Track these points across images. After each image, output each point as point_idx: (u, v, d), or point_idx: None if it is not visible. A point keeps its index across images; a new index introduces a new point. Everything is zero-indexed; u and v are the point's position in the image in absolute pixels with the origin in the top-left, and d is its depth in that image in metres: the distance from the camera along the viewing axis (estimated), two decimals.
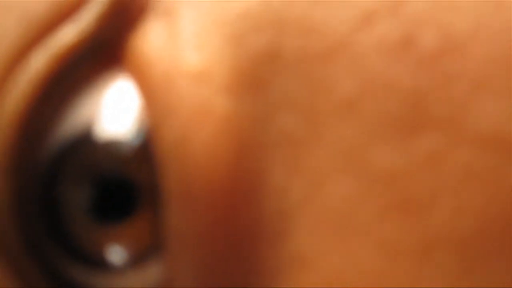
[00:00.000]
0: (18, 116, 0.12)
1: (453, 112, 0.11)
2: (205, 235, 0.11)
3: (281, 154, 0.11)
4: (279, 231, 0.11)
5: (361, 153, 0.11)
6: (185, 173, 0.11)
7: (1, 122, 0.12)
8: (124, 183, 0.12)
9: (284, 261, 0.11)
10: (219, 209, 0.11)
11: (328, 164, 0.11)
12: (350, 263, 0.11)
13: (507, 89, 0.11)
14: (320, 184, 0.11)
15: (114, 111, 0.12)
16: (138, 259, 0.12)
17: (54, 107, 0.12)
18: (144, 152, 0.12)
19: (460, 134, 0.10)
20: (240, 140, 0.11)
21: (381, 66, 0.11)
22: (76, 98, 0.12)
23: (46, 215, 0.12)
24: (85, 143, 0.12)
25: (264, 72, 0.12)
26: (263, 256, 0.11)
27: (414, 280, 0.10)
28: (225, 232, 0.11)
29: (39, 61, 0.12)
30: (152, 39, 0.12)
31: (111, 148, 0.12)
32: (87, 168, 0.12)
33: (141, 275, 0.12)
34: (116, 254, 0.12)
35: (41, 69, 0.12)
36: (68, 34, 0.12)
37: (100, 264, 0.12)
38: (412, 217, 0.10)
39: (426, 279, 0.10)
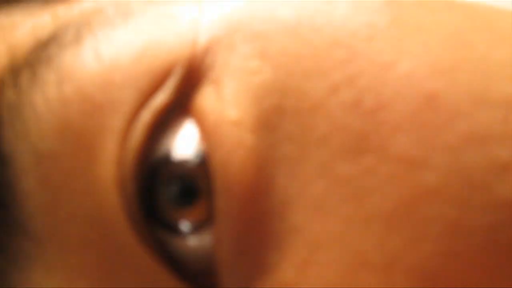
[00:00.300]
0: (138, 144, 0.16)
1: (382, 142, 0.15)
2: (238, 214, 0.15)
3: (284, 167, 0.16)
4: (282, 211, 0.15)
5: (330, 165, 0.15)
6: (227, 178, 0.16)
7: (131, 147, 0.16)
8: (191, 184, 0.16)
9: (285, 230, 0.15)
10: (247, 198, 0.15)
11: (311, 172, 0.16)
12: (326, 230, 0.15)
13: (411, 127, 0.15)
14: (307, 183, 0.15)
15: (185, 143, 0.16)
16: (198, 228, 0.16)
17: (154, 140, 0.16)
18: (203, 166, 0.16)
19: (386, 155, 0.15)
20: (259, 159, 0.16)
21: (342, 116, 0.16)
22: (163, 135, 0.17)
23: (147, 201, 0.16)
24: (170, 162, 0.16)
25: (274, 120, 0.16)
26: (273, 226, 0.15)
27: (360, 239, 0.15)
28: (250, 212, 0.15)
29: (146, 116, 0.16)
30: (206, 99, 0.16)
31: (185, 164, 0.16)
32: (171, 175, 0.16)
33: (200, 238, 0.16)
34: (185, 224, 0.16)
35: (147, 120, 0.16)
36: (161, 98, 0.16)
37: (175, 230, 0.16)
38: (359, 201, 0.15)
39: (367, 239, 0.15)
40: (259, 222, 0.16)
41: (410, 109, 0.15)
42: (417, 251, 0.15)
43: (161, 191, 0.16)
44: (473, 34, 0.17)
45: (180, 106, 0.17)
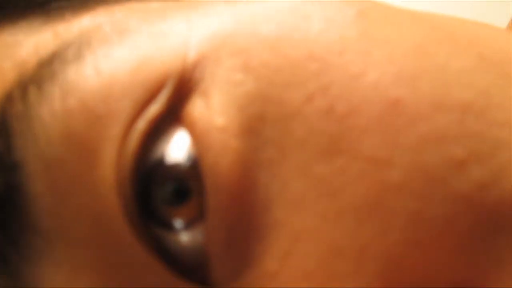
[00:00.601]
0: (134, 150, 0.17)
1: (352, 144, 0.16)
2: (227, 210, 0.16)
3: (266, 167, 0.17)
4: (265, 207, 0.16)
5: (307, 166, 0.17)
6: (217, 178, 0.16)
7: (128, 153, 0.17)
8: (183, 185, 0.17)
9: (268, 224, 0.16)
10: (234, 195, 0.16)
11: (291, 172, 0.17)
12: (304, 224, 0.16)
13: (377, 129, 0.16)
14: (287, 182, 0.17)
15: (177, 148, 0.17)
16: (190, 225, 0.17)
17: (149, 146, 0.17)
18: (194, 168, 0.17)
19: (355, 156, 0.16)
20: (244, 161, 0.17)
21: (317, 121, 0.17)
22: (157, 141, 0.17)
23: (143, 202, 0.17)
24: (164, 165, 0.17)
25: (257, 126, 0.17)
26: (258, 221, 0.16)
27: (334, 231, 0.16)
28: (237, 208, 0.16)
29: (142, 124, 0.17)
30: (196, 108, 0.17)
31: (177, 167, 0.17)
32: (165, 177, 0.17)
33: (192, 234, 0.17)
34: (178, 222, 0.17)
35: (143, 128, 0.17)
36: (155, 108, 0.17)
37: (169, 227, 0.17)
38: (332, 197, 0.16)
39: (340, 231, 0.16)
40: (245, 217, 0.17)
41: (376, 113, 0.16)
42: (384, 241, 0.16)
43: (156, 192, 0.17)
44: (435, 46, 0.18)
45: (172, 115, 0.18)
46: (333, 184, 0.16)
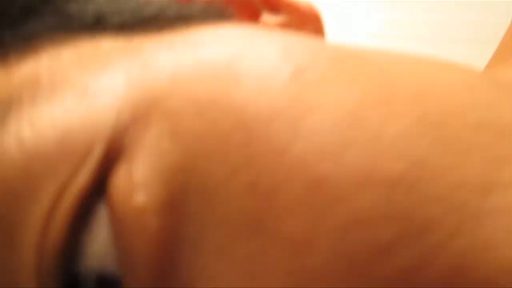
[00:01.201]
0: (58, 235, 0.16)
1: (275, 224, 0.15)
2: None
3: (187, 247, 0.16)
4: None
5: (229, 246, 0.15)
6: (131, 263, 0.16)
7: (51, 237, 0.16)
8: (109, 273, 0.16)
9: None
10: (150, 283, 0.15)
11: (212, 251, 0.16)
12: None
13: (300, 210, 0.15)
14: (209, 262, 0.16)
15: (100, 231, 0.16)
16: None
17: (74, 228, 0.16)
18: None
19: (277, 237, 0.15)
20: (163, 241, 0.16)
21: (240, 197, 0.15)
22: (85, 220, 0.16)
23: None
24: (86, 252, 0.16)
25: (179, 200, 0.16)
26: None
27: None
28: None
29: (65, 205, 0.16)
30: (119, 180, 0.16)
31: (98, 254, 0.16)
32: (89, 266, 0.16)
33: None
34: None
35: (66, 210, 0.16)
36: (79, 183, 0.16)
37: None
38: (253, 280, 0.15)
39: None
40: None
41: (299, 192, 0.16)
42: None
43: (83, 284, 0.16)
44: (370, 111, 0.17)
45: (100, 187, 0.17)
46: (254, 266, 0.15)
